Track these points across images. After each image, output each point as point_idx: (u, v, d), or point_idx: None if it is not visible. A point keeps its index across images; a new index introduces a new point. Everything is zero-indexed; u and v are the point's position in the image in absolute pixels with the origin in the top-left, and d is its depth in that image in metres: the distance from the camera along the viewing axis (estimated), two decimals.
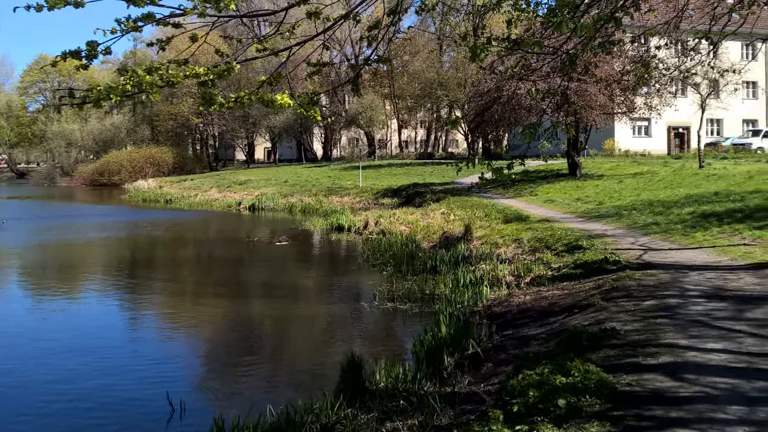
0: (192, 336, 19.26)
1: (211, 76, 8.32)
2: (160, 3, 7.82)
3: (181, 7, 8.02)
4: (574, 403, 8.55)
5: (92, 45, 7.70)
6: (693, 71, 25.67)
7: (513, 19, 11.47)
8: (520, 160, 10.41)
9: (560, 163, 50.10)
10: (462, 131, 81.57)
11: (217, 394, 14.18)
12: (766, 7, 18.57)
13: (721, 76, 40.23)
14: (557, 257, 21.61)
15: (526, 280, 20.14)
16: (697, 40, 18.50)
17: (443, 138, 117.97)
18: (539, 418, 8.36)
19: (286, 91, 9.07)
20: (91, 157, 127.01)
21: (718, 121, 75.85)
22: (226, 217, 56.54)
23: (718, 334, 11.15)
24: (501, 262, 22.61)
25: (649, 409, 8.39)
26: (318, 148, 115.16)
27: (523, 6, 11.92)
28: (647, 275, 16.77)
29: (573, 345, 11.11)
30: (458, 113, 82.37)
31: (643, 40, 21.22)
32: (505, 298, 18.62)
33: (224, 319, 20.89)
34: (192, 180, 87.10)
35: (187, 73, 8.25)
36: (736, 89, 54.73)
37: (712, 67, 26.70)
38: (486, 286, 20.00)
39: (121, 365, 15.93)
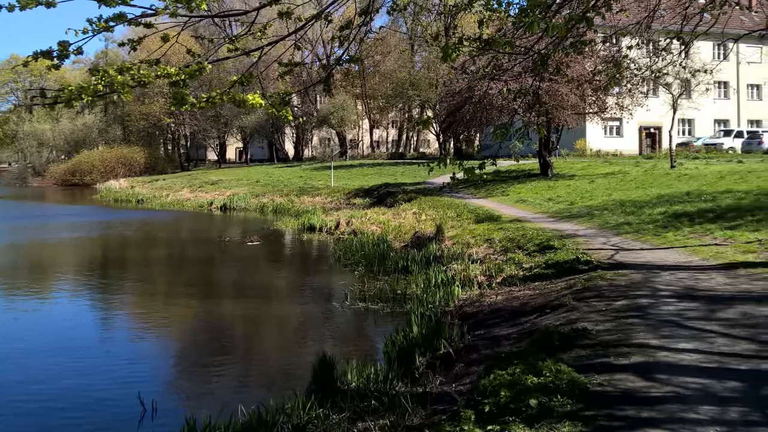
0: (164, 336, 19.24)
1: (183, 76, 8.31)
2: (132, 3, 7.81)
3: (153, 7, 8.00)
4: (545, 403, 8.56)
5: (64, 45, 7.68)
6: (664, 71, 25.76)
7: (484, 19, 11.49)
8: (491, 160, 10.43)
9: (532, 163, 50.19)
10: (433, 131, 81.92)
11: (189, 394, 14.16)
12: (737, 8, 18.69)
13: (693, 76, 40.41)
14: (529, 257, 21.68)
15: (498, 280, 20.17)
16: (668, 40, 18.58)
17: (415, 138, 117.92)
18: (511, 418, 8.37)
19: (258, 91, 9.06)
20: (63, 157, 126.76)
21: (690, 121, 76.31)
22: (198, 217, 56.57)
23: (690, 334, 11.19)
24: (473, 262, 22.64)
25: (621, 409, 8.42)
26: (289, 148, 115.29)
27: (495, 6, 11.95)
28: (619, 275, 16.83)
29: (544, 345, 11.11)
30: (430, 113, 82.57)
31: (614, 40, 21.27)
32: (477, 298, 18.65)
33: (196, 319, 20.88)
34: (164, 180, 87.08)
35: (159, 73, 8.23)
36: (707, 89, 55.23)
37: (684, 67, 26.77)
38: (458, 286, 20.01)
39: (93, 365, 15.90)
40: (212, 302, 22.93)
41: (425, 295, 19.41)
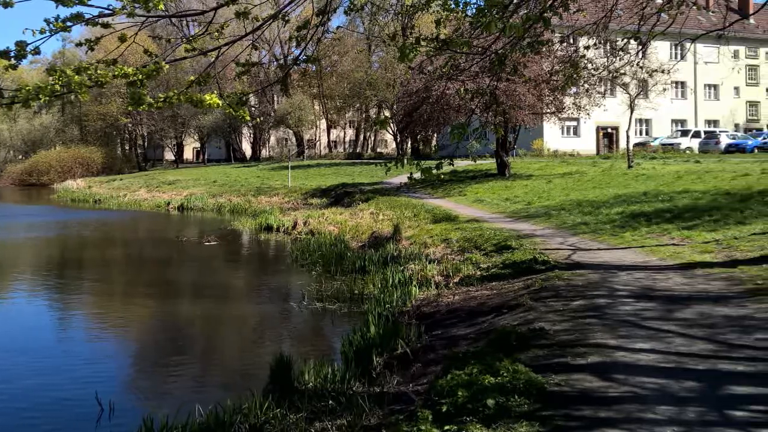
0: (121, 336, 19.17)
1: (140, 76, 8.28)
2: (89, 3, 7.78)
3: (110, 7, 7.97)
4: (503, 403, 8.55)
5: (21, 45, 7.64)
6: (622, 71, 25.89)
7: (442, 19, 11.52)
8: (449, 160, 10.44)
9: (489, 163, 50.22)
10: (391, 131, 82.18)
11: (147, 394, 14.13)
12: (694, 8, 18.82)
13: (650, 76, 40.75)
14: (486, 257, 21.70)
15: (455, 280, 20.17)
16: (626, 40, 18.67)
17: (372, 138, 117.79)
18: (468, 418, 8.35)
19: (215, 91, 9.05)
20: (20, 157, 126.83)
21: (647, 121, 76.87)
22: (155, 217, 56.47)
23: (647, 334, 11.21)
24: (430, 262, 22.68)
25: (578, 409, 8.41)
26: (247, 148, 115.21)
27: (452, 6, 11.96)
28: (576, 275, 16.88)
29: (502, 345, 11.11)
30: (387, 113, 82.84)
31: (572, 40, 21.30)
32: (434, 298, 18.64)
33: (153, 319, 20.83)
34: (121, 180, 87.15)
35: (116, 73, 8.20)
36: (664, 89, 55.57)
37: (641, 67, 26.98)
38: (415, 286, 20.04)
39: (50, 365, 15.84)
40: (170, 302, 22.86)
41: (382, 295, 19.45)
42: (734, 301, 13.19)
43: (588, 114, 48.12)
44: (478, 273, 20.09)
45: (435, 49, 10.86)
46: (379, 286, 21.34)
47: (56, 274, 29.06)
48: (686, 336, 10.97)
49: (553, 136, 70.18)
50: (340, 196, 48.93)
